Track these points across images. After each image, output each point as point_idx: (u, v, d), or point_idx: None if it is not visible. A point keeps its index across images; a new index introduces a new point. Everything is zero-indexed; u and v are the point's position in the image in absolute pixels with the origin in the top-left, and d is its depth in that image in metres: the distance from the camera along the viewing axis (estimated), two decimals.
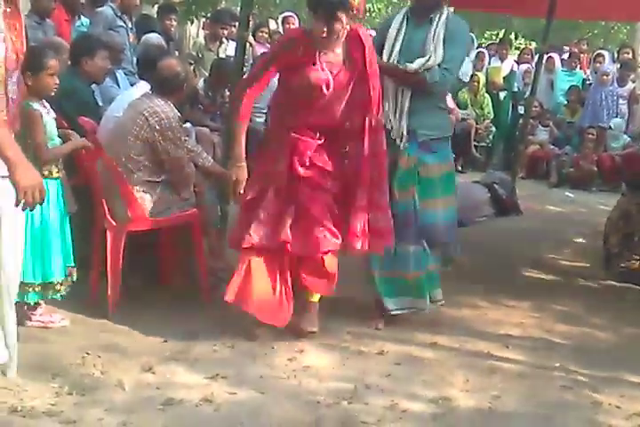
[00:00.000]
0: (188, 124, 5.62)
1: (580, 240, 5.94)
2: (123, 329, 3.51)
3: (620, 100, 9.25)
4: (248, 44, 6.63)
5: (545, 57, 8.81)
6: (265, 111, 7.43)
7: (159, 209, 3.81)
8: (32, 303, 3.44)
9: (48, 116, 3.44)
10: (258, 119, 7.23)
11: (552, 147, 9.29)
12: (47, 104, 3.47)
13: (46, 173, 3.38)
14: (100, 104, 4.69)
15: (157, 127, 3.79)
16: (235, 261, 4.21)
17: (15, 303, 2.89)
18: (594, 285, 4.93)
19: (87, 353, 3.21)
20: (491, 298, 4.43)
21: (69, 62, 4.47)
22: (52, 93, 3.48)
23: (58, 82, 3.46)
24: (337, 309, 3.99)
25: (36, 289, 3.38)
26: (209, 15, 9.46)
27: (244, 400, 2.94)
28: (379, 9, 18.51)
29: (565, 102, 9.68)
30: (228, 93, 6.20)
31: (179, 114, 3.96)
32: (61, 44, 4.69)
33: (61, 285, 3.45)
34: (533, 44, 14.30)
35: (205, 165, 4.21)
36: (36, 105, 3.37)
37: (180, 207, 3.92)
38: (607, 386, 3.32)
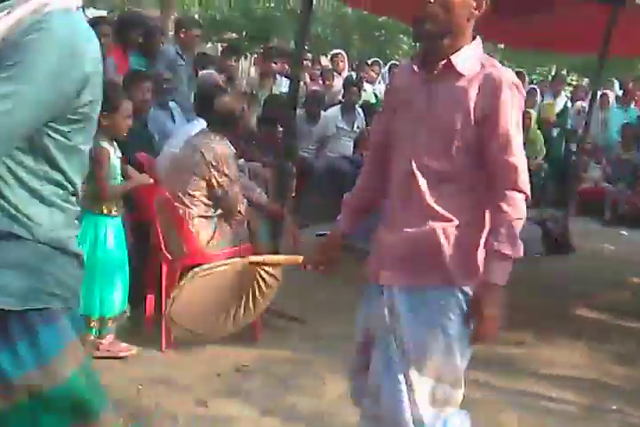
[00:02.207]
0: (241, 160, 5.73)
1: (635, 279, 5.82)
2: (176, 363, 3.55)
3: None
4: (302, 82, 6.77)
5: (599, 94, 8.79)
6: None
7: (214, 244, 3.88)
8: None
9: (114, 156, 3.55)
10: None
11: (606, 184, 9.17)
12: (115, 144, 3.59)
13: (105, 210, 3.49)
14: (155, 138, 4.82)
15: (214, 163, 3.88)
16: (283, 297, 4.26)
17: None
18: None
19: (141, 385, 3.26)
20: (544, 337, 4.37)
21: None
22: (124, 135, 3.60)
23: (131, 124, 3.57)
24: None
25: (94, 324, 3.46)
26: (260, 51, 9.66)
27: None
28: None
29: (620, 139, 9.58)
30: (280, 129, 6.30)
31: (234, 150, 4.04)
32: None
33: (117, 320, 3.53)
34: (585, 81, 14.23)
35: (259, 201, 4.29)
36: (105, 143, 3.49)
37: (234, 242, 3.98)
38: None
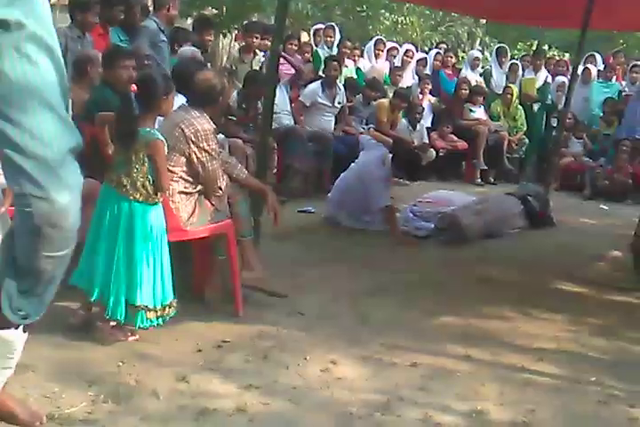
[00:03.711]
0: (221, 136, 5.68)
1: (615, 253, 5.86)
2: (157, 339, 3.54)
3: None
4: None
5: (581, 68, 8.79)
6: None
7: (194, 220, 3.85)
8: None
9: None
10: (285, 121, 7.31)
11: (586, 159, 9.21)
12: None
13: (156, 199, 3.48)
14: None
15: (193, 139, 3.84)
16: (266, 273, 4.27)
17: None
18: (629, 298, 4.87)
19: (122, 362, 3.25)
20: (524, 311, 4.40)
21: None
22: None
23: None
24: (368, 321, 3.99)
25: (158, 313, 3.44)
26: (241, 27, 9.56)
27: (278, 411, 2.95)
28: (411, 22, 18.53)
29: (601, 114, 9.60)
30: (260, 105, 6.26)
31: (214, 126, 4.00)
32: (97, 56, 4.79)
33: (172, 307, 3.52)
34: (567, 56, 14.22)
35: (240, 177, 4.25)
36: (157, 133, 3.47)
37: (215, 218, 3.95)
38: None
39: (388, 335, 3.80)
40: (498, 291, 4.70)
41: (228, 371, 3.27)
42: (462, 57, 13.50)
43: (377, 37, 10.50)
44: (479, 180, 9.06)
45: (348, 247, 5.50)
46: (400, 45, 10.51)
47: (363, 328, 3.89)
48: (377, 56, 9.68)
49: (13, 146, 1.32)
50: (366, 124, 8.49)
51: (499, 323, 4.17)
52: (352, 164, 6.37)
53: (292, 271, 4.71)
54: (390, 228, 5.92)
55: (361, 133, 7.98)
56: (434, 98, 9.48)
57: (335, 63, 7.91)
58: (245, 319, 3.86)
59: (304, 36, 10.73)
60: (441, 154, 8.87)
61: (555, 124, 9.08)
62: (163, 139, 3.51)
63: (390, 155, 6.05)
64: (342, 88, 8.04)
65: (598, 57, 10.68)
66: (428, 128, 9.01)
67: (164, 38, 6.13)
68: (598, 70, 10.22)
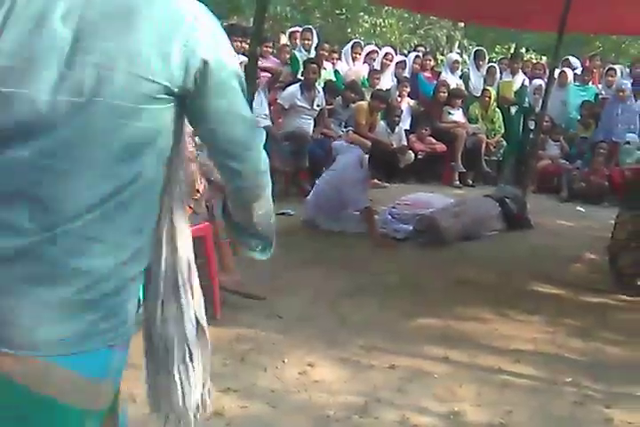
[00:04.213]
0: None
1: (591, 255, 5.92)
2: (135, 342, 3.51)
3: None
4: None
5: (557, 72, 8.86)
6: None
7: None
8: None
9: None
10: (263, 124, 7.29)
11: (563, 162, 9.29)
12: None
13: None
14: None
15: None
16: (244, 276, 4.26)
17: None
18: (605, 299, 4.91)
19: None
20: (501, 312, 4.42)
21: None
22: None
23: None
24: (347, 322, 4.00)
25: None
26: None
27: (256, 414, 2.94)
28: (390, 24, 18.60)
29: (578, 117, 9.68)
30: None
31: (191, 129, 3.99)
32: None
33: None
34: (544, 59, 14.34)
35: (217, 180, 4.24)
36: None
37: (192, 221, 3.93)
38: (619, 402, 3.30)
39: (367, 337, 3.80)
40: (476, 293, 4.72)
41: None
42: (441, 60, 13.57)
43: (354, 40, 10.53)
44: (457, 182, 9.11)
45: (327, 249, 5.50)
46: (380, 48, 10.55)
47: (341, 330, 3.90)
48: (354, 59, 9.71)
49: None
50: (345, 127, 8.50)
51: (476, 324, 4.19)
52: (329, 168, 6.39)
53: (270, 274, 4.70)
54: (369, 230, 5.93)
55: (339, 136, 8.00)
56: (412, 101, 9.52)
57: (314, 66, 7.92)
58: (223, 322, 3.84)
59: (283, 39, 10.75)
60: (419, 156, 8.91)
61: (532, 127, 9.15)
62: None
63: (367, 156, 6.07)
64: (321, 91, 8.05)
65: (575, 60, 10.79)
66: (406, 131, 9.05)
67: None
68: (575, 73, 10.31)
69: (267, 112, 7.54)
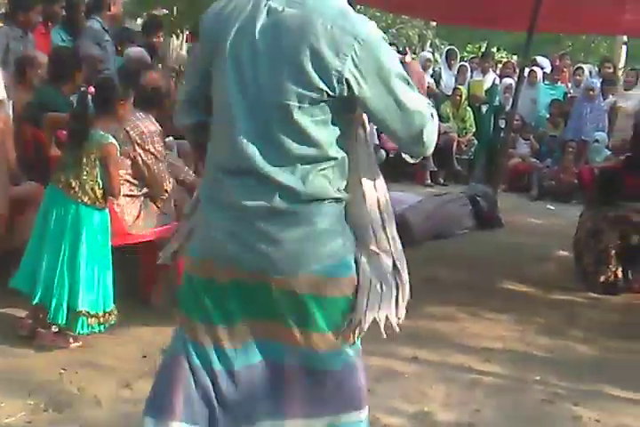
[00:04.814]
0: (170, 138, 5.61)
1: (561, 253, 5.96)
2: (101, 345, 3.48)
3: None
4: None
5: (527, 71, 8.91)
6: None
7: (139, 223, 3.80)
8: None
9: None
10: None
11: (534, 160, 9.35)
12: None
13: (104, 204, 3.40)
14: None
15: (138, 141, 3.79)
16: None
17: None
18: (573, 297, 4.95)
19: (64, 369, 3.18)
20: (471, 311, 4.44)
21: (49, 77, 4.47)
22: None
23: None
24: None
25: (100, 320, 3.38)
26: (191, 28, 9.45)
27: None
28: None
29: (548, 116, 9.76)
30: None
31: (160, 128, 3.96)
32: (36, 59, 4.68)
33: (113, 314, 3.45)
34: (514, 58, 14.42)
35: (186, 180, 4.21)
36: (111, 137, 3.41)
37: (161, 221, 3.90)
38: (587, 399, 3.33)
39: None
40: (446, 291, 4.73)
41: None
42: (413, 58, 13.58)
43: None
44: (429, 181, 9.12)
45: None
46: None
47: None
48: None
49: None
50: None
51: (447, 324, 4.20)
52: None
53: None
54: None
55: None
56: None
57: None
58: None
59: None
60: (391, 155, 8.91)
61: (502, 126, 9.19)
62: (116, 144, 3.45)
63: None
64: None
65: (544, 59, 10.86)
66: (377, 129, 9.02)
67: (109, 38, 6.03)
68: (544, 73, 10.38)
69: None
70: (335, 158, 1.86)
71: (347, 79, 1.76)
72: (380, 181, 2.04)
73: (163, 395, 1.94)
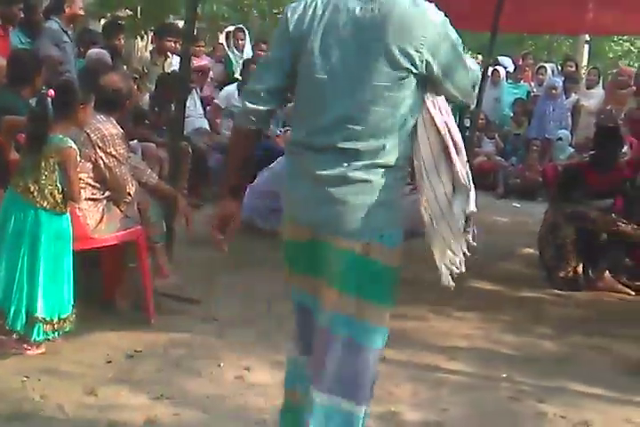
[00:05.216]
0: (134, 141, 5.56)
1: (526, 250, 6.01)
2: (64, 351, 3.43)
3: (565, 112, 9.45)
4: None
5: (490, 70, 8.98)
6: None
7: (102, 227, 3.75)
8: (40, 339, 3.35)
9: None
10: (197, 124, 7.16)
11: (499, 158, 9.42)
12: None
13: (64, 208, 3.35)
14: None
15: (99, 144, 3.75)
16: (180, 279, 4.20)
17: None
18: (539, 294, 5.00)
19: (26, 377, 3.13)
20: (437, 310, 4.46)
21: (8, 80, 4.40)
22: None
23: None
24: (284, 325, 3.96)
25: (55, 326, 3.32)
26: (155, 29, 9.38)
27: (189, 421, 2.89)
28: None
29: (511, 114, 9.84)
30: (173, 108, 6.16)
31: (122, 130, 3.91)
32: None
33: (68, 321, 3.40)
34: (479, 58, 14.52)
35: (149, 183, 4.17)
36: (70, 141, 3.35)
37: (124, 225, 3.86)
38: (552, 396, 3.36)
39: None
40: (412, 290, 4.72)
41: (139, 382, 3.19)
42: None
43: None
44: None
45: (266, 250, 5.45)
46: None
47: (278, 333, 3.85)
48: None
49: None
50: (283, 127, 8.45)
51: (413, 322, 4.21)
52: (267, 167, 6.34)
53: (207, 276, 4.65)
54: None
55: (277, 136, 7.96)
56: None
57: (254, 66, 7.83)
58: (157, 327, 3.79)
59: (220, 38, 10.63)
60: None
61: (467, 125, 9.25)
62: (76, 148, 3.40)
63: None
64: None
65: (506, 59, 10.96)
66: None
67: (67, 39, 5.95)
68: (507, 72, 10.47)
69: (201, 112, 7.45)
70: (407, 132, 2.20)
71: (425, 56, 2.11)
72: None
73: (300, 335, 2.40)
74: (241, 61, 8.50)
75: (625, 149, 6.26)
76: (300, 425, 2.29)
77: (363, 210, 2.15)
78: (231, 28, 9.69)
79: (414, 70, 2.11)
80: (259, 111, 2.26)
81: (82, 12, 6.28)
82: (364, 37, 2.12)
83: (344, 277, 2.17)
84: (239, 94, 7.67)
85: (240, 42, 9.09)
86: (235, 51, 9.00)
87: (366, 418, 2.29)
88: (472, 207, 2.45)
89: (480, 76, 2.53)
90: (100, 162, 3.76)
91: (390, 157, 2.17)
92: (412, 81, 2.14)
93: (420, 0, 2.16)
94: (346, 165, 2.14)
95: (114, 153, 3.79)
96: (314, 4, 2.19)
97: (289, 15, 2.21)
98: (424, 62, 2.12)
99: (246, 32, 9.36)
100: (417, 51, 2.10)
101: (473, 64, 2.32)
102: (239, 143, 2.37)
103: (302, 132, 2.23)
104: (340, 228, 2.16)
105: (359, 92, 2.12)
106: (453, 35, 2.19)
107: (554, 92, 9.27)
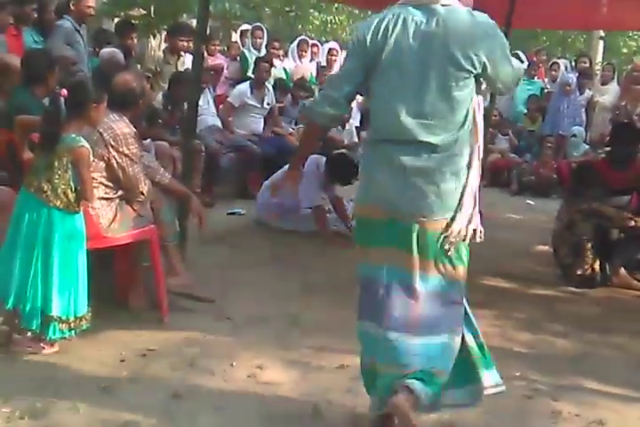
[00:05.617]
0: (147, 140, 5.57)
1: (541, 247, 5.98)
2: (78, 350, 3.44)
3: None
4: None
5: None
6: None
7: (115, 226, 3.76)
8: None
9: None
10: (210, 122, 7.15)
11: (513, 155, 9.38)
12: None
13: (77, 208, 3.37)
14: None
15: (112, 143, 3.76)
16: (193, 278, 4.20)
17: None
18: (553, 292, 4.97)
19: (41, 376, 3.14)
20: None
21: (22, 79, 4.41)
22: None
23: None
24: (297, 323, 3.97)
25: (70, 325, 3.34)
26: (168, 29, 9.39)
27: (204, 420, 2.90)
28: (340, 21, 18.59)
29: (525, 111, 9.79)
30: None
31: (135, 129, 3.92)
32: (10, 65, 4.58)
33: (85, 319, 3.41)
34: None
35: (162, 181, 4.18)
36: (83, 140, 3.36)
37: (137, 224, 3.87)
38: (567, 394, 3.34)
39: (317, 337, 3.78)
40: None
41: (153, 380, 3.20)
42: None
43: (301, 37, 10.41)
44: None
45: (278, 249, 5.47)
46: (322, 44, 10.47)
47: (291, 331, 3.87)
48: (301, 56, 9.65)
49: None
50: (295, 125, 8.46)
51: None
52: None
53: (220, 275, 4.66)
54: (320, 228, 5.91)
55: (289, 134, 7.97)
56: (361, 97, 9.49)
57: (266, 65, 7.84)
58: (171, 326, 3.80)
59: (234, 37, 10.63)
60: None
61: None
62: (88, 147, 3.41)
63: (324, 158, 6.03)
64: (271, 89, 7.99)
65: (521, 55, 10.88)
66: (356, 127, 9.03)
67: (79, 39, 5.96)
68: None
69: (214, 110, 7.46)
70: (470, 125, 2.59)
71: (482, 58, 2.54)
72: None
73: (371, 305, 2.73)
74: None
75: None
76: (390, 384, 2.71)
77: (440, 195, 2.57)
78: (246, 27, 9.69)
79: (474, 71, 2.54)
80: (339, 115, 2.75)
81: (91, 11, 6.26)
82: (431, 46, 2.53)
83: (431, 249, 2.62)
84: (251, 92, 7.69)
85: (258, 40, 9.08)
86: (251, 49, 9.00)
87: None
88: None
89: (523, 72, 2.92)
90: (113, 161, 3.77)
91: (460, 148, 2.58)
92: (472, 80, 2.57)
93: (475, 11, 2.59)
94: (426, 156, 2.56)
95: (127, 152, 3.80)
96: (386, 20, 2.59)
97: (364, 31, 2.61)
98: (481, 64, 2.54)
99: (264, 30, 9.35)
100: (476, 54, 2.52)
101: (516, 62, 2.71)
102: (314, 136, 2.96)
103: (382, 129, 2.65)
104: (421, 210, 2.59)
105: (430, 93, 2.53)
106: (502, 38, 2.60)
107: (567, 88, 9.22)
